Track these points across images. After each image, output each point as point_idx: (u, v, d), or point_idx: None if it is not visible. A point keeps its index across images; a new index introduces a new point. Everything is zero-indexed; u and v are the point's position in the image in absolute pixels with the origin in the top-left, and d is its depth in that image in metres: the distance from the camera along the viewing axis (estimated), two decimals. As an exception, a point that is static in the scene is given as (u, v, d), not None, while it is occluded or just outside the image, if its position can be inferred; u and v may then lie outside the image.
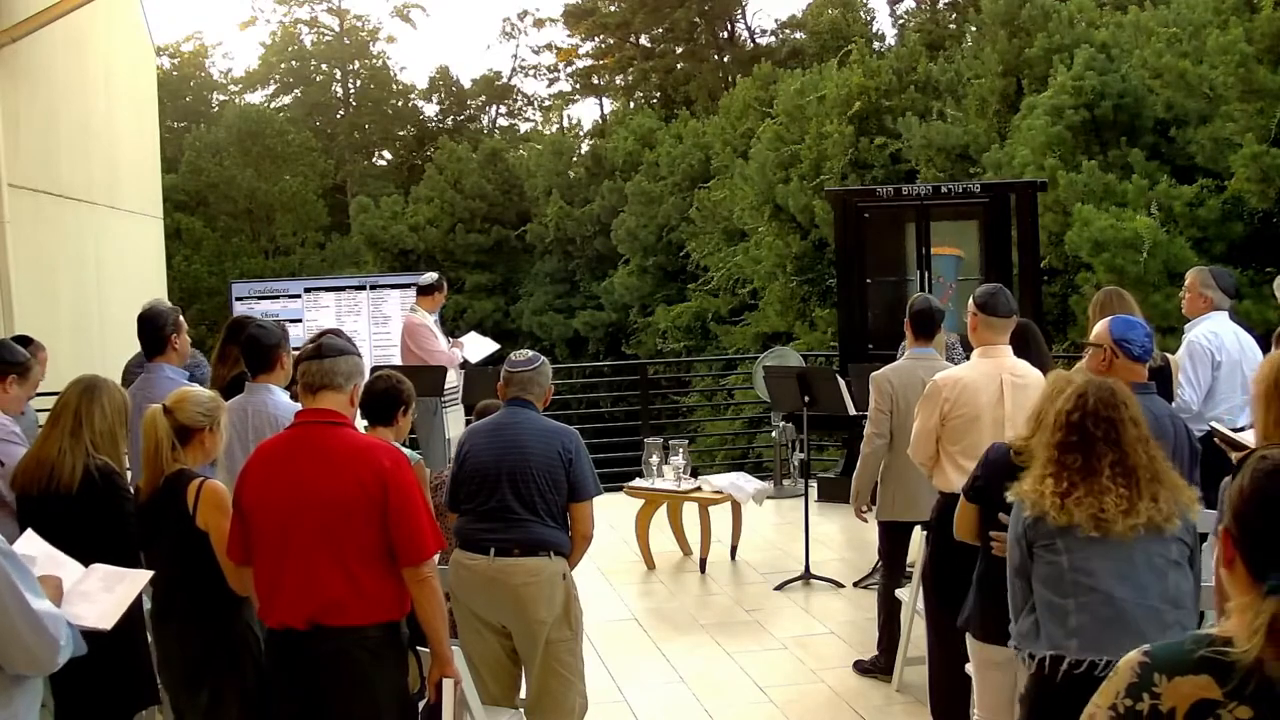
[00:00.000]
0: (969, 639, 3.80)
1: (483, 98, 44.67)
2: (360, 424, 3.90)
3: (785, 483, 9.66)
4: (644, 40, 38.04)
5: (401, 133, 43.64)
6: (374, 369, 4.71)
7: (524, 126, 44.62)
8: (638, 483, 8.06)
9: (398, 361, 8.41)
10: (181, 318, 5.23)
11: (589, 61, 41.53)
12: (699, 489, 7.77)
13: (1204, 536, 3.29)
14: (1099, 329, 3.86)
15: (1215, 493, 3.24)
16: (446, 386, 8.16)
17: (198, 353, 6.03)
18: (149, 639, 3.93)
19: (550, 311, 28.59)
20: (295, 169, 35.68)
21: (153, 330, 5.10)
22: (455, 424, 8.14)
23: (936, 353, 5.61)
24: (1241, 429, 4.97)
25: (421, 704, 3.64)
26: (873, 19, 29.53)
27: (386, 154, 44.23)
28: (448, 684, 3.60)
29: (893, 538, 5.66)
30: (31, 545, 3.35)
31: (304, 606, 3.33)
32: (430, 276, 8.64)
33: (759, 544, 8.19)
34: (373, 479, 3.33)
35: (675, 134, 27.66)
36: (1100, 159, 14.38)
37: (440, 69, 44.86)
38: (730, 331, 22.74)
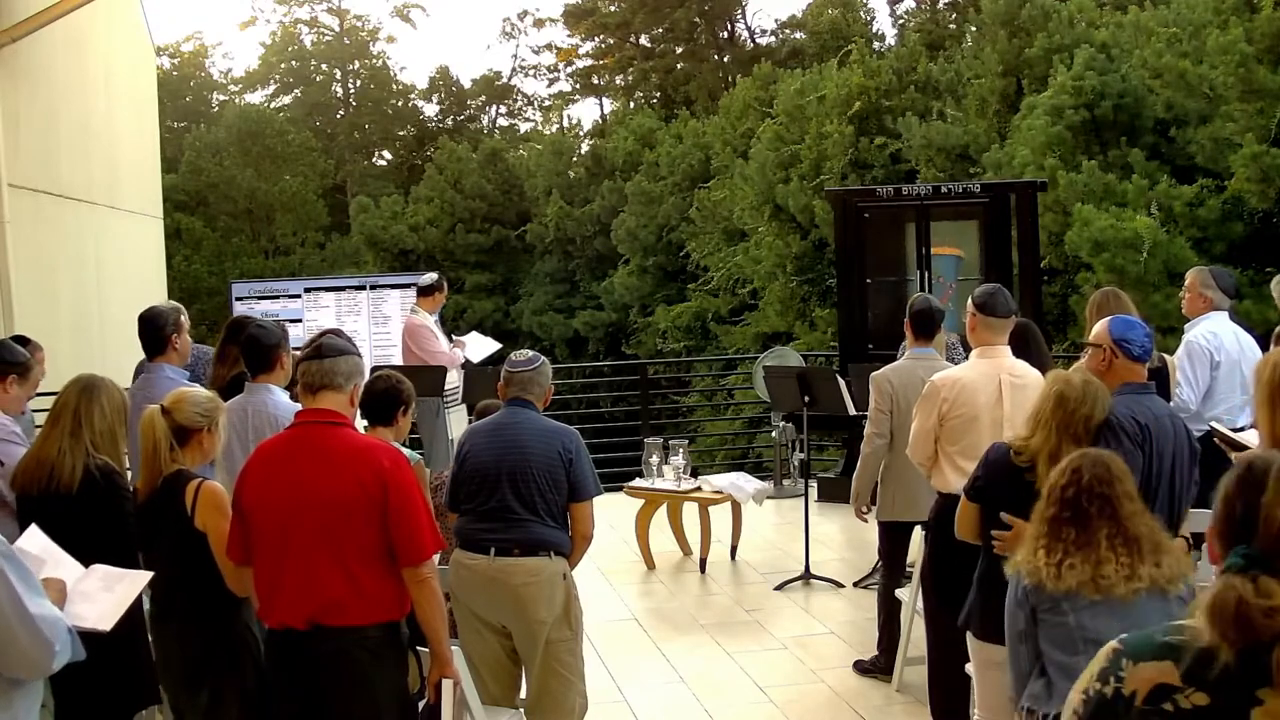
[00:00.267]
0: (969, 638, 3.80)
1: (483, 98, 44.67)
2: (360, 424, 3.90)
3: (785, 483, 9.66)
4: (644, 40, 38.05)
5: (401, 133, 43.65)
6: (374, 369, 4.71)
7: (524, 126, 44.69)
8: (638, 483, 8.06)
9: (398, 361, 8.41)
10: (183, 317, 5.22)
11: (589, 61, 41.55)
12: (699, 489, 7.77)
13: (1202, 537, 3.29)
14: (1099, 329, 3.86)
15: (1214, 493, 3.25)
16: (447, 387, 8.16)
17: (201, 346, 6.03)
18: (149, 639, 3.93)
19: (550, 311, 28.60)
20: (295, 169, 35.69)
21: (153, 330, 5.10)
22: (458, 424, 8.14)
23: (936, 353, 5.61)
24: (1241, 429, 4.98)
25: (421, 704, 3.65)
26: (873, 19, 29.58)
27: (386, 154, 44.24)
28: (447, 684, 3.61)
29: (893, 538, 5.66)
30: (34, 541, 3.35)
31: (304, 606, 3.33)
32: (430, 277, 8.64)
33: (759, 544, 8.19)
34: (373, 479, 3.33)
35: (675, 134, 27.66)
36: (1100, 159, 14.38)
37: (440, 69, 44.92)
38: (730, 331, 22.74)
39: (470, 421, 5.12)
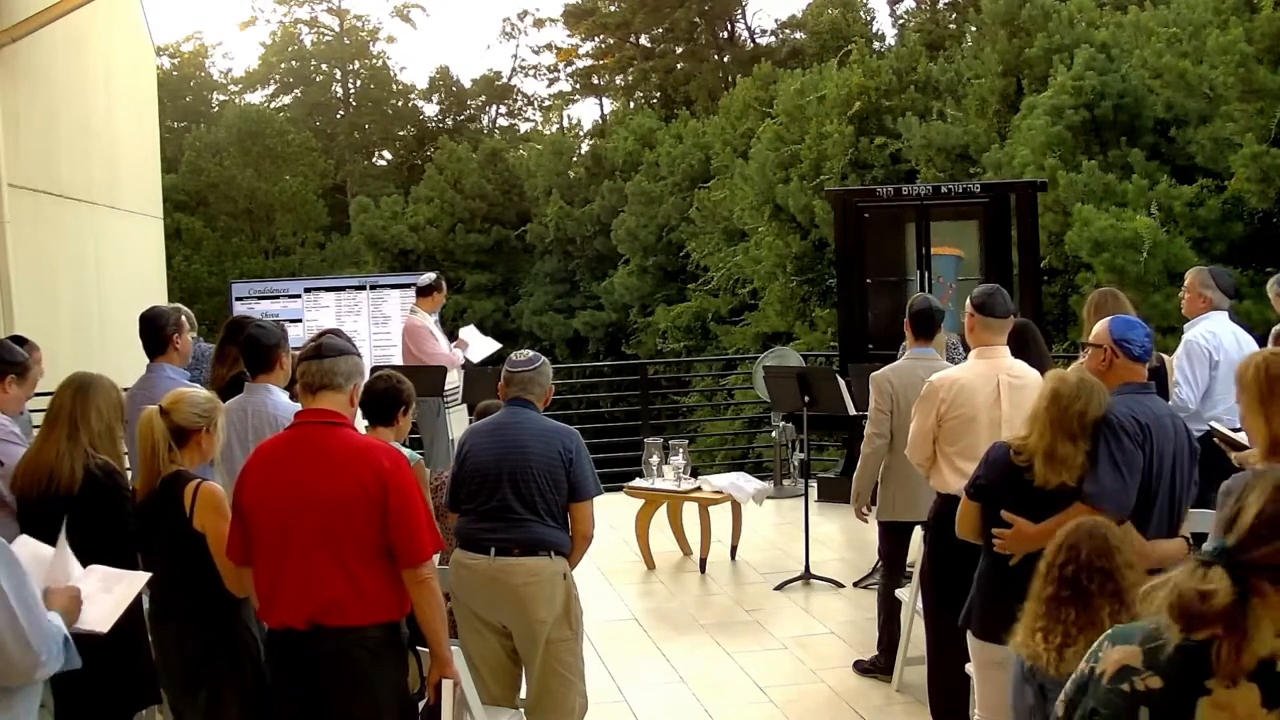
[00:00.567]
0: (969, 637, 3.80)
1: (483, 98, 44.68)
2: (360, 424, 3.90)
3: (785, 483, 9.66)
4: (644, 40, 38.05)
5: (401, 133, 43.65)
6: (374, 369, 4.71)
7: (524, 126, 44.70)
8: (638, 483, 8.06)
9: (398, 361, 8.41)
10: (184, 317, 5.22)
11: (589, 61, 41.55)
12: (699, 489, 7.76)
13: (1202, 536, 3.29)
14: (1099, 329, 3.86)
15: (1215, 493, 3.25)
16: (447, 387, 8.15)
17: (203, 341, 6.03)
18: (149, 639, 3.92)
19: (550, 311, 28.59)
20: (295, 169, 35.70)
21: (154, 330, 5.09)
22: (458, 424, 8.14)
23: (937, 353, 5.61)
24: (1240, 429, 4.97)
25: (421, 704, 3.65)
26: (873, 19, 29.58)
27: (386, 154, 44.25)
28: (447, 684, 3.61)
29: (893, 538, 5.66)
30: (24, 549, 3.33)
31: (304, 606, 3.33)
32: (428, 277, 8.63)
33: (759, 544, 8.19)
34: (373, 479, 3.33)
35: (675, 134, 27.66)
36: (1100, 159, 14.38)
37: (440, 69, 44.93)
38: (730, 331, 22.74)
39: (470, 421, 5.11)
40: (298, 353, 3.89)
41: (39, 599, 2.69)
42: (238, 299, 9.87)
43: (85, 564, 3.42)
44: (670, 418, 17.95)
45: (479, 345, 8.83)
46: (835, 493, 8.91)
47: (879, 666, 5.66)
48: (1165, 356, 5.70)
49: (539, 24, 45.21)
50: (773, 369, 8.59)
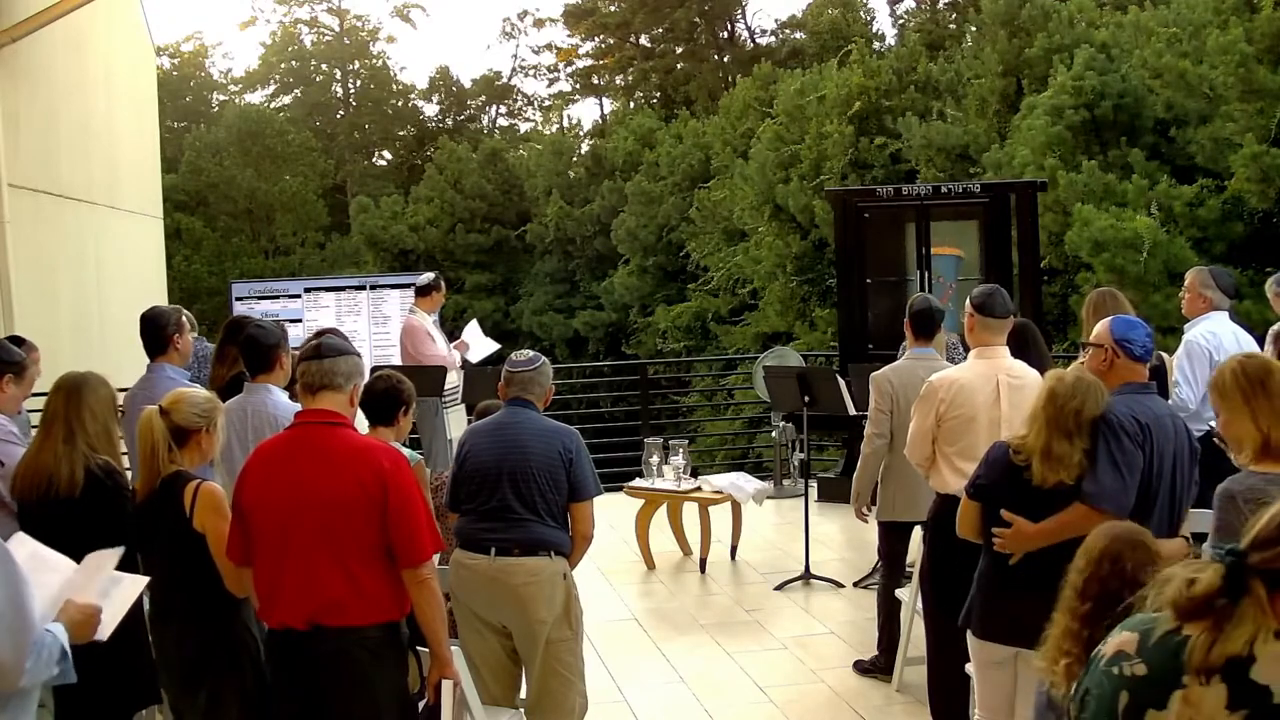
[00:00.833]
0: (969, 637, 3.80)
1: (483, 98, 44.68)
2: (361, 424, 3.90)
3: (785, 483, 9.66)
4: (644, 40, 38.05)
5: (401, 133, 43.66)
6: (374, 369, 4.71)
7: (524, 126, 44.71)
8: (638, 483, 8.06)
9: (398, 361, 8.40)
10: (184, 318, 5.22)
11: (589, 61, 41.55)
12: (699, 489, 7.76)
13: (1203, 536, 3.29)
14: (1100, 329, 3.86)
15: (1214, 493, 3.25)
16: (447, 387, 8.15)
17: (203, 340, 6.02)
18: (149, 639, 3.92)
19: (550, 311, 28.60)
20: (295, 169, 35.70)
21: (154, 330, 5.09)
22: (457, 425, 8.13)
23: (937, 353, 5.61)
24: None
25: (421, 704, 3.64)
26: (873, 19, 29.59)
27: (386, 154, 44.25)
28: (447, 685, 3.60)
29: (893, 538, 5.66)
30: (22, 550, 3.31)
31: (304, 607, 3.33)
32: (427, 277, 8.62)
33: (759, 544, 8.19)
34: (373, 479, 3.33)
35: (675, 134, 27.67)
36: (1100, 159, 14.38)
37: (440, 69, 44.95)
38: (730, 331, 22.75)
39: (470, 421, 5.11)
40: (297, 353, 3.89)
41: (32, 602, 2.65)
42: (238, 299, 9.87)
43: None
44: (670, 418, 17.95)
45: (479, 345, 8.82)
46: (835, 493, 8.91)
47: (879, 666, 5.66)
48: (1165, 356, 5.70)
49: (539, 24, 45.30)
50: (773, 369, 8.59)
